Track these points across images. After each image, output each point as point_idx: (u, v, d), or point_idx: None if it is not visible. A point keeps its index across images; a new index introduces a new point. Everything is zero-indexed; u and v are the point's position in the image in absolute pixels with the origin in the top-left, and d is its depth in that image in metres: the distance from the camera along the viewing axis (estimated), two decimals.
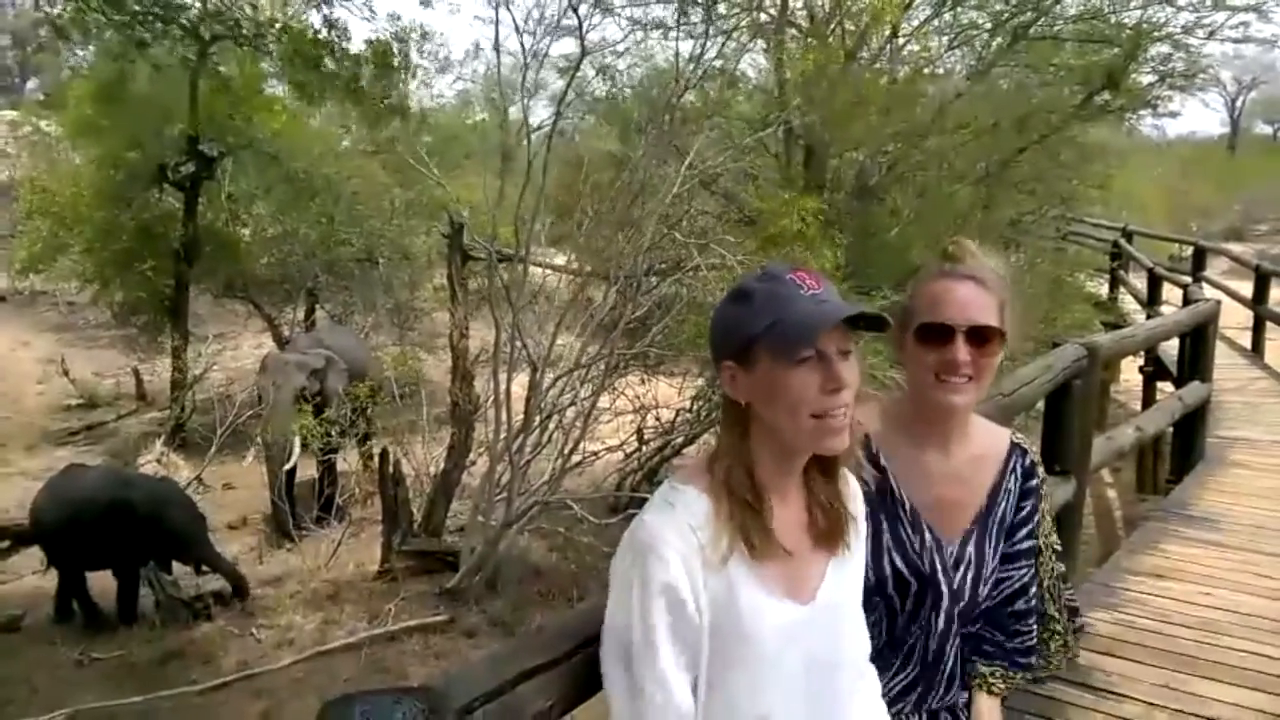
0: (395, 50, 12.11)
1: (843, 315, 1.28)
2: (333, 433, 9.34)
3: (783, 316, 1.28)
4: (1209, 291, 9.30)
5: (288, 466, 9.20)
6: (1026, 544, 1.75)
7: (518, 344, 7.72)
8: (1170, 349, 8.32)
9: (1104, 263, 15.58)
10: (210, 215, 13.38)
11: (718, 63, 10.08)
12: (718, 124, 10.11)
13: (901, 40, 10.94)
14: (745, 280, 1.38)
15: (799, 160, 10.15)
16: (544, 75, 9.92)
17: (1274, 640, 3.51)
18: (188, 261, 12.73)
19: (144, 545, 7.27)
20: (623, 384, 9.65)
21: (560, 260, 11.37)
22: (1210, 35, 10.60)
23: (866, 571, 1.56)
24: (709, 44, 9.19)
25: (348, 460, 10.55)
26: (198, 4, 10.91)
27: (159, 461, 10.17)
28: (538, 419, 7.83)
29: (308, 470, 9.82)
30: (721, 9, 10.43)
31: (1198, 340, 6.47)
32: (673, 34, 9.90)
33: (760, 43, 10.85)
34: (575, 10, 8.05)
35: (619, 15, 10.09)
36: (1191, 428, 6.17)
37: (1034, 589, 1.77)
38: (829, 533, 1.41)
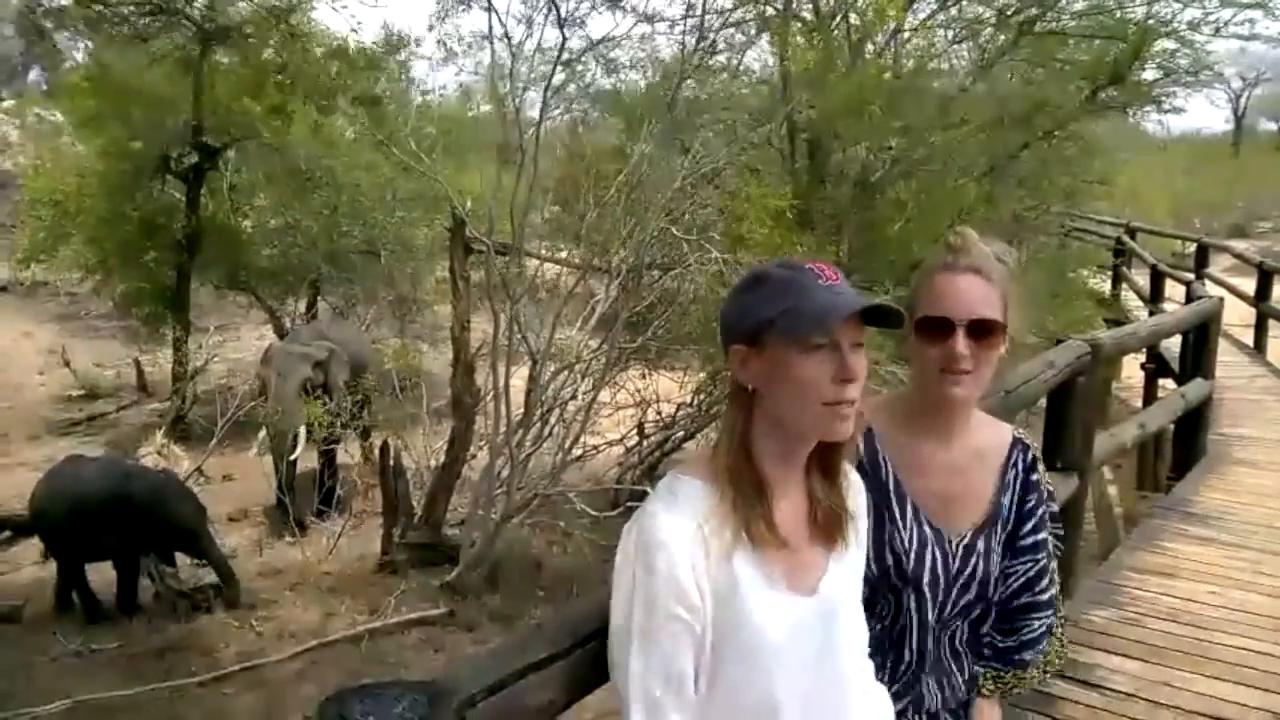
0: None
1: (860, 306, 1.29)
2: (335, 425, 9.34)
3: (799, 303, 1.28)
4: (1212, 288, 9.29)
5: (293, 457, 9.21)
6: (1031, 539, 1.74)
7: (518, 337, 7.71)
8: (1173, 346, 8.30)
9: (1107, 259, 15.57)
10: (212, 206, 13.36)
11: (722, 56, 10.08)
12: (721, 118, 10.10)
13: (906, 34, 10.90)
14: (761, 267, 1.39)
15: (803, 154, 10.12)
16: (545, 68, 9.89)
17: (1276, 638, 3.50)
18: (190, 253, 12.73)
19: (143, 537, 7.26)
20: (623, 378, 9.65)
21: (563, 253, 11.36)
22: (1216, 32, 10.55)
23: (866, 564, 1.56)
24: (714, 38, 9.17)
25: (349, 452, 10.55)
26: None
27: (159, 453, 10.17)
28: (538, 412, 7.83)
29: (308, 462, 9.82)
30: (727, 2, 10.40)
31: (1200, 337, 6.46)
32: (677, 27, 9.89)
33: (765, 36, 10.83)
34: (555, 4, 8.02)
35: (623, 7, 10.04)
36: (1193, 425, 6.16)
37: (1039, 584, 1.77)
38: (829, 526, 1.41)
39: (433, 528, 8.32)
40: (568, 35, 8.04)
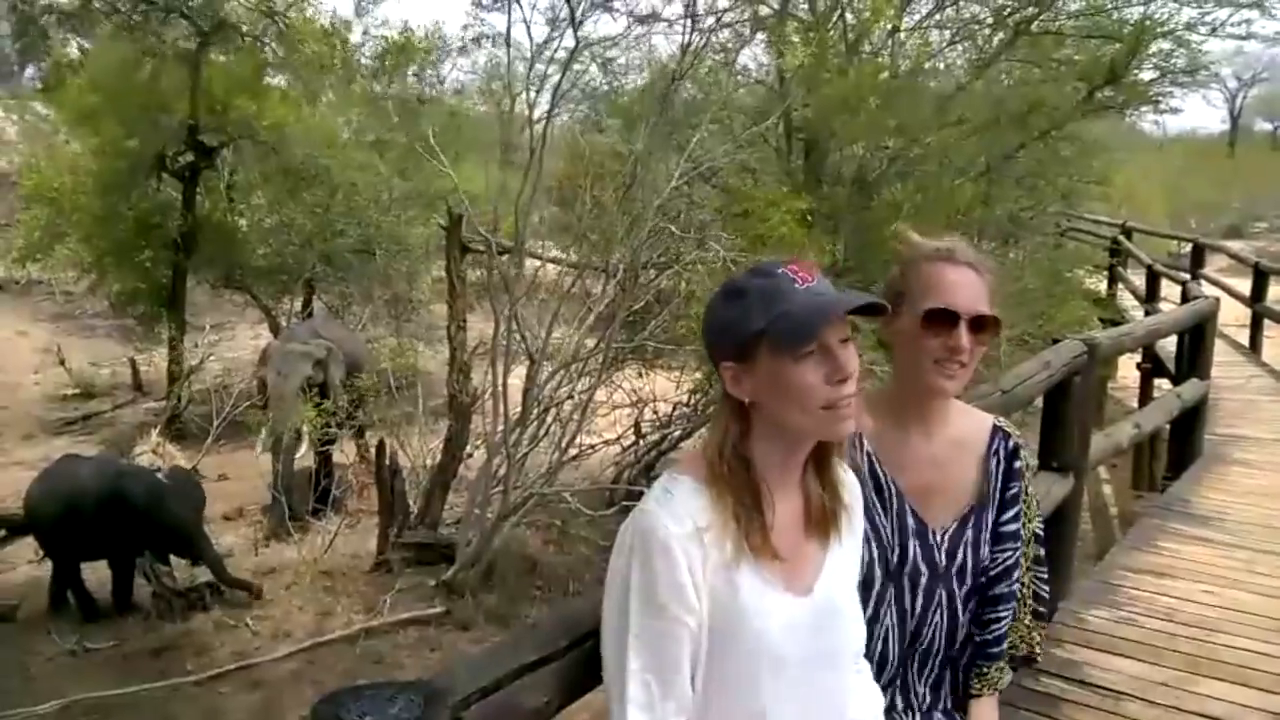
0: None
1: (845, 308, 1.29)
2: (331, 424, 9.33)
3: (781, 313, 1.27)
4: (1207, 289, 9.30)
5: (299, 455, 9.19)
6: (1012, 526, 1.76)
7: (515, 336, 7.70)
8: (1168, 346, 8.32)
9: (1103, 259, 15.60)
10: (208, 205, 13.34)
11: (719, 56, 10.07)
12: (718, 117, 10.09)
13: (903, 34, 10.90)
14: (737, 278, 1.37)
15: (799, 154, 10.13)
16: (542, 67, 9.88)
17: (1272, 638, 3.50)
18: (185, 252, 12.71)
19: (139, 536, 7.24)
20: (620, 377, 9.65)
21: (559, 253, 11.36)
22: (1213, 31, 10.57)
23: (878, 568, 1.57)
24: (710, 37, 9.16)
25: (345, 451, 10.54)
26: None
27: (155, 452, 10.13)
28: (535, 411, 7.82)
29: (304, 461, 9.81)
30: (723, 2, 10.40)
31: (1196, 337, 6.47)
32: (673, 27, 9.86)
33: (761, 36, 10.82)
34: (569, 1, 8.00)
35: (618, 9, 10.03)
36: (1189, 425, 6.17)
37: (1016, 573, 1.78)
38: (825, 525, 1.41)
39: (429, 527, 8.32)
40: (571, 36, 7.99)
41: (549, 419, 8.14)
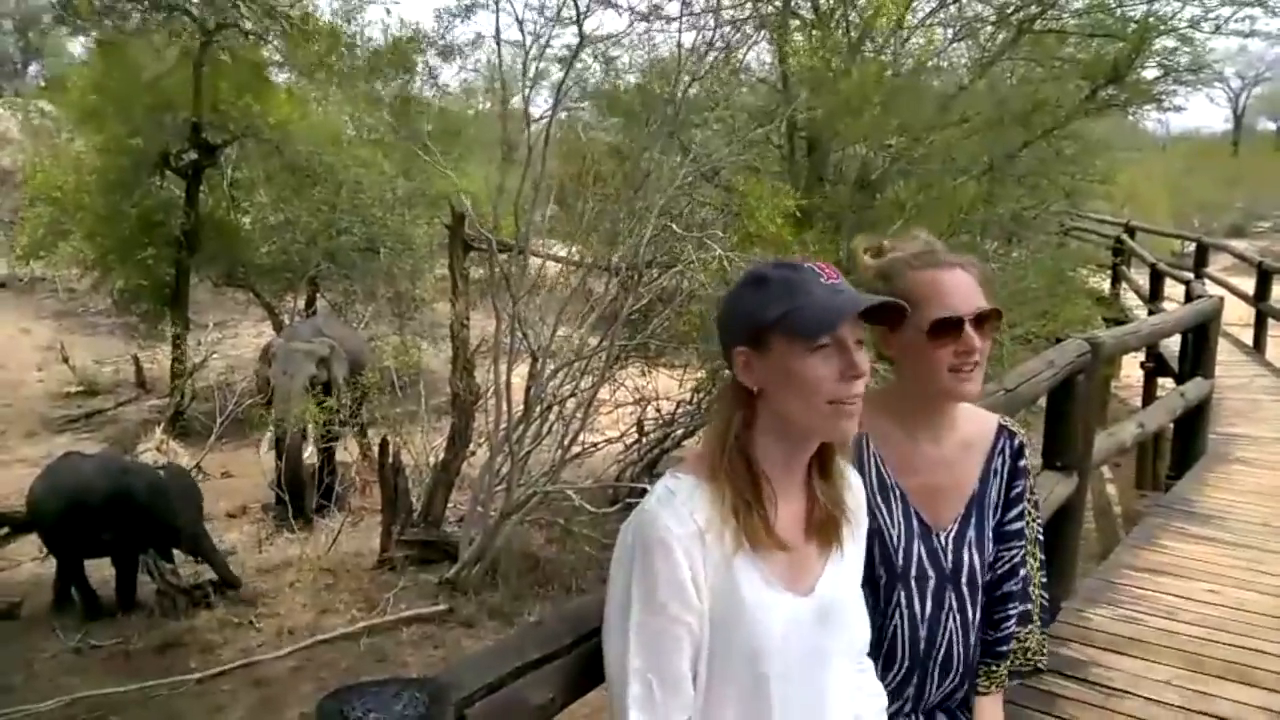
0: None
1: (864, 305, 1.29)
2: (335, 421, 9.34)
3: (802, 303, 1.28)
4: (1211, 288, 9.29)
5: (305, 454, 9.21)
6: (1017, 524, 1.76)
7: (518, 334, 7.71)
8: (1172, 345, 8.31)
9: (1106, 258, 15.58)
10: (211, 203, 13.36)
11: (721, 54, 10.04)
12: (721, 116, 10.08)
13: (906, 33, 10.88)
14: (761, 267, 1.38)
15: (802, 153, 10.12)
16: (546, 66, 9.89)
17: (1275, 638, 3.50)
18: (189, 249, 12.73)
19: (142, 533, 7.25)
20: (623, 375, 9.65)
21: (562, 251, 11.36)
22: (1216, 29, 10.55)
23: (883, 570, 1.58)
24: (713, 35, 9.15)
25: (348, 449, 10.55)
26: None
27: (158, 449, 10.16)
28: (538, 409, 7.82)
29: (308, 459, 9.82)
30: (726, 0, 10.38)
31: (1200, 337, 6.46)
32: (675, 24, 9.85)
33: (764, 34, 10.81)
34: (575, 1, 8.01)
35: (620, 5, 10.01)
36: (1193, 424, 6.16)
37: (1023, 570, 1.78)
38: (827, 526, 1.41)
39: (432, 525, 8.32)
40: (570, 33, 7.99)
41: (552, 417, 8.14)
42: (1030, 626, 1.85)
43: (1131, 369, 11.07)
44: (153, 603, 7.34)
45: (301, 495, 9.17)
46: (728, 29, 10.03)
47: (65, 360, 14.16)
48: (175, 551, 7.66)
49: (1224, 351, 8.21)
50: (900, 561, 1.65)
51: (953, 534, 1.69)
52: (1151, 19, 10.28)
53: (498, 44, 8.39)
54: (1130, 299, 13.83)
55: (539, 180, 7.97)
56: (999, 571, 1.75)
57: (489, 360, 8.07)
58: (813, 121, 9.66)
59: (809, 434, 1.35)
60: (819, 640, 1.38)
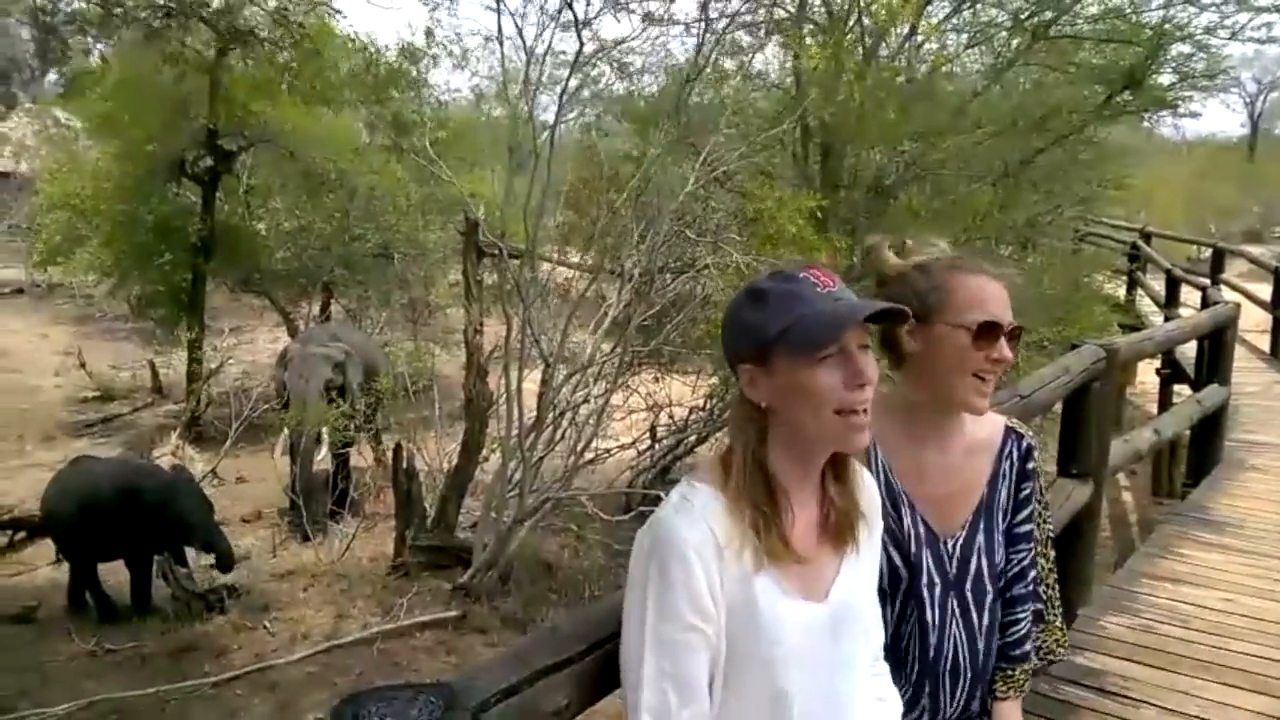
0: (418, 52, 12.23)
1: (864, 313, 1.28)
2: (349, 427, 9.37)
3: (802, 315, 1.28)
4: (1227, 294, 9.24)
5: (319, 457, 9.24)
6: (1027, 526, 1.75)
7: (530, 340, 7.72)
8: (1188, 351, 8.26)
9: (1121, 264, 15.50)
10: (227, 209, 13.43)
11: (734, 60, 10.06)
12: (734, 121, 10.09)
13: (920, 38, 10.87)
14: (757, 281, 1.37)
15: (815, 158, 10.11)
16: (558, 72, 9.90)
17: None
18: (205, 255, 12.79)
19: (155, 533, 7.26)
20: (636, 381, 9.66)
21: (575, 257, 11.38)
22: (1233, 35, 10.50)
23: (900, 578, 1.58)
24: (724, 40, 9.16)
25: (362, 455, 10.58)
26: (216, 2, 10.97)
27: (174, 454, 10.22)
28: (550, 416, 7.83)
29: (322, 464, 9.85)
30: (736, 3, 10.39)
31: (1216, 343, 6.42)
32: (688, 30, 9.87)
33: (777, 39, 10.82)
34: (570, 5, 8.01)
35: (631, 11, 10.03)
36: (1209, 431, 6.13)
37: (1033, 573, 1.77)
38: (841, 532, 1.41)
39: (445, 530, 8.33)
40: (581, 40, 7.99)
41: (565, 423, 8.16)
42: (1044, 625, 1.85)
43: (1147, 375, 11.01)
44: (168, 607, 7.37)
45: (315, 500, 9.20)
46: (740, 33, 10.07)
47: (82, 365, 14.25)
48: (188, 557, 7.67)
49: (1240, 358, 8.16)
50: (907, 570, 1.65)
51: (961, 540, 1.68)
52: (1167, 25, 10.24)
53: (500, 45, 8.39)
54: (1146, 305, 13.75)
55: (549, 186, 7.99)
56: (1010, 574, 1.74)
57: (502, 366, 8.08)
58: (826, 126, 9.65)
59: (821, 444, 1.35)
60: (836, 646, 1.38)
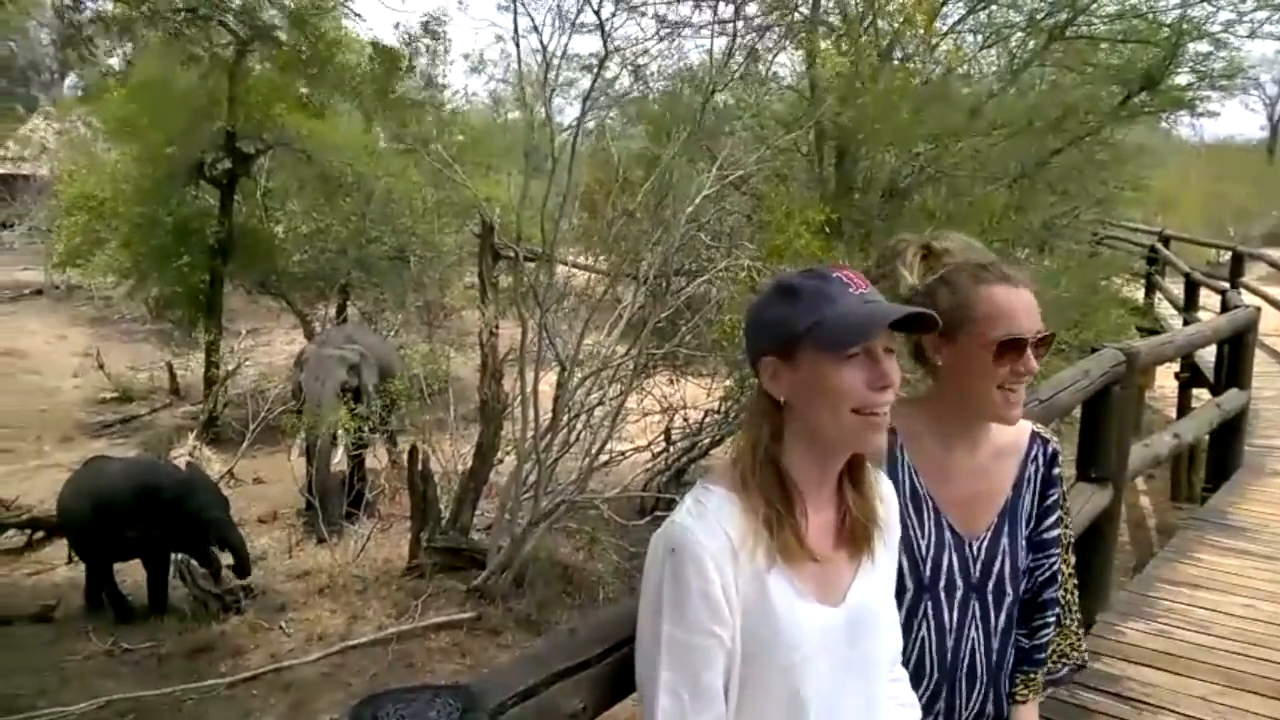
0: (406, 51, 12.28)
1: (896, 315, 1.29)
2: (364, 428, 9.41)
3: (833, 312, 1.27)
4: (1247, 298, 9.16)
5: (335, 459, 9.27)
6: (1054, 532, 1.75)
7: (545, 343, 7.73)
8: (1207, 355, 8.19)
9: (1140, 267, 15.39)
10: (245, 212, 13.51)
11: (749, 63, 10.05)
12: (749, 124, 10.08)
13: (935, 40, 10.84)
14: (788, 276, 1.37)
15: (830, 161, 10.09)
16: (573, 74, 9.94)
17: None
18: (223, 257, 12.87)
19: (169, 531, 7.29)
20: (651, 384, 9.65)
21: (590, 260, 11.39)
22: (1252, 34, 10.43)
23: (910, 580, 1.58)
24: (739, 42, 9.17)
25: (378, 456, 10.61)
26: (236, 2, 11.05)
27: (191, 454, 10.28)
28: (565, 418, 7.84)
29: (337, 466, 9.89)
30: (753, 9, 10.40)
31: (1236, 347, 6.37)
32: (703, 33, 9.89)
33: (792, 42, 10.81)
34: (596, 10, 8.03)
35: (646, 13, 10.06)
36: (1229, 435, 6.07)
37: (1057, 580, 1.77)
38: (858, 535, 1.40)
39: (460, 532, 8.35)
40: (606, 43, 8.01)
41: (579, 425, 8.16)
42: (1060, 629, 1.84)
43: (1165, 380, 10.92)
44: (185, 606, 7.41)
45: (331, 502, 9.23)
46: (755, 36, 10.06)
47: (100, 366, 14.36)
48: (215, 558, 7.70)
49: (1261, 362, 8.07)
50: (928, 572, 1.64)
51: (985, 543, 1.68)
52: (1185, 24, 10.18)
53: (516, 46, 8.41)
54: (1165, 308, 13.64)
55: (565, 189, 8.00)
56: (1038, 579, 1.74)
57: (517, 368, 8.10)
58: (841, 129, 9.63)
59: (838, 444, 1.34)
60: (852, 651, 1.37)
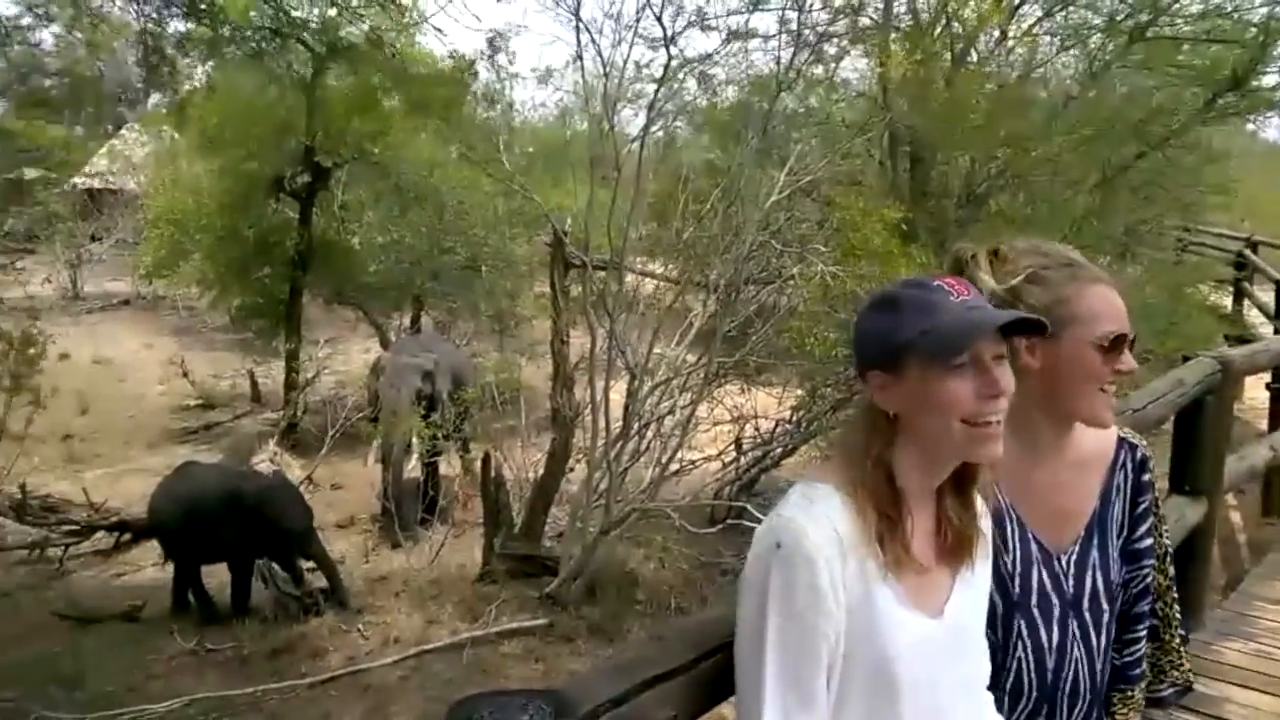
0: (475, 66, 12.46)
1: (1002, 321, 1.26)
2: (438, 436, 9.55)
3: (936, 323, 1.25)
4: None
5: (409, 466, 9.43)
6: (1147, 541, 1.68)
7: (615, 351, 7.76)
8: None
9: (1227, 274, 14.85)
10: (323, 224, 13.82)
11: (819, 69, 10.00)
12: (819, 130, 10.01)
13: (1011, 42, 10.65)
14: (890, 288, 1.36)
15: (903, 166, 9.97)
16: (639, 86, 9.96)
17: None
18: (302, 268, 13.18)
19: (255, 538, 7.50)
20: (721, 393, 9.61)
21: (658, 268, 11.41)
22: None
23: (998, 598, 1.53)
24: (808, 51, 9.09)
25: (451, 463, 10.76)
26: (315, 21, 11.32)
27: (272, 460, 10.54)
28: (636, 426, 7.85)
29: (412, 472, 10.05)
30: (822, 16, 10.31)
31: None
32: (771, 42, 9.84)
33: (863, 47, 10.71)
34: (659, 19, 8.06)
35: (715, 26, 10.06)
36: None
37: (1151, 592, 1.71)
38: (957, 548, 1.38)
39: (531, 539, 8.41)
40: (670, 55, 8.05)
41: (649, 434, 8.16)
42: (1158, 643, 1.78)
43: (1256, 391, 10.51)
44: (267, 608, 7.59)
45: (406, 507, 9.39)
46: (822, 43, 9.99)
47: (185, 374, 14.81)
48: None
49: None
50: (1017, 589, 1.59)
51: (1074, 557, 1.62)
52: (1273, 22, 9.82)
53: (580, 61, 8.47)
54: (1254, 316, 13.13)
55: (635, 198, 8.03)
56: (1133, 591, 1.68)
57: (588, 377, 8.14)
58: (914, 134, 9.51)
59: (949, 455, 1.32)
60: (951, 665, 1.35)
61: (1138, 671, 1.71)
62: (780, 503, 1.33)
